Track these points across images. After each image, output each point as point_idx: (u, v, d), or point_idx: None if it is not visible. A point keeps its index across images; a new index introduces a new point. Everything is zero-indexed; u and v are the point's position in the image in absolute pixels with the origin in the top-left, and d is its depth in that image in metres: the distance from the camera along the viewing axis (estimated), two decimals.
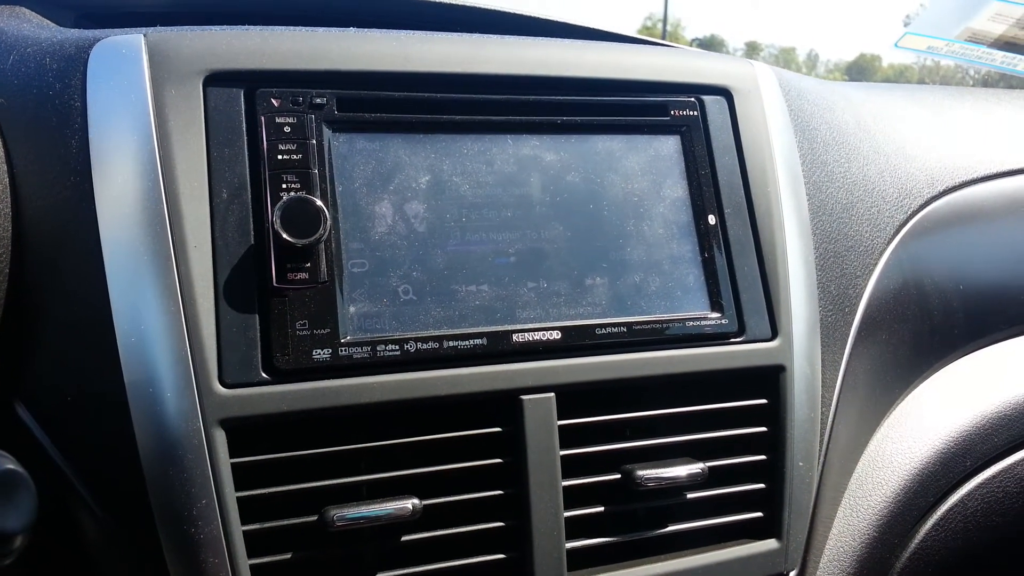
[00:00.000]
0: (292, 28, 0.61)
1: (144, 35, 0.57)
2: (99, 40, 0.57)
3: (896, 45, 1.42)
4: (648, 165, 0.65)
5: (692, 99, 0.67)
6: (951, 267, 0.88)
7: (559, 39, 0.69)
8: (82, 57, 0.57)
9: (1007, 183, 0.95)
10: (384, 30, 0.64)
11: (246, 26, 0.61)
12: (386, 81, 0.59)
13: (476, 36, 0.65)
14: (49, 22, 0.72)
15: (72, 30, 0.63)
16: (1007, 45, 1.32)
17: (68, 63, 0.57)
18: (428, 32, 0.65)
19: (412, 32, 0.64)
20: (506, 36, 0.67)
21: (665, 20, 22.59)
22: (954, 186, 0.90)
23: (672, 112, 0.66)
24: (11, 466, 0.36)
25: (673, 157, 0.66)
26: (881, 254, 0.80)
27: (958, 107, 1.03)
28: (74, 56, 0.57)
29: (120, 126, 0.54)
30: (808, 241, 0.69)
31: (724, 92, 0.69)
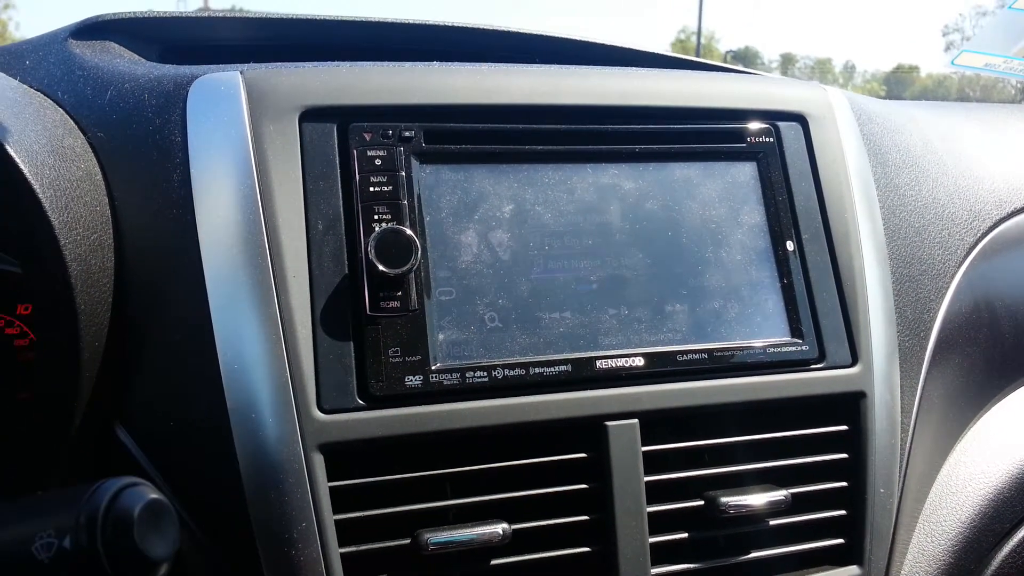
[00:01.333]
0: (379, 64, 0.63)
1: (241, 72, 0.59)
2: (197, 77, 0.60)
3: (953, 63, 1.40)
4: (725, 192, 0.66)
5: (768, 125, 0.68)
6: (1021, 288, 0.87)
7: (635, 68, 0.70)
8: (181, 94, 0.59)
9: None
10: (467, 63, 0.66)
11: (336, 62, 0.63)
12: (470, 114, 0.61)
13: (555, 68, 0.67)
14: (137, 56, 0.75)
15: (167, 66, 0.65)
16: None
17: (168, 99, 0.60)
18: (509, 64, 0.66)
19: (493, 65, 0.66)
20: (583, 67, 0.69)
21: (699, 33, 22.57)
22: (1022, 207, 0.89)
23: (748, 139, 0.67)
24: (156, 496, 0.38)
25: (750, 183, 0.66)
26: (953, 277, 0.79)
27: (1020, 124, 1.02)
28: (173, 92, 0.60)
29: (220, 160, 0.56)
30: (885, 266, 0.69)
31: (799, 118, 0.69)
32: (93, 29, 0.74)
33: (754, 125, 0.68)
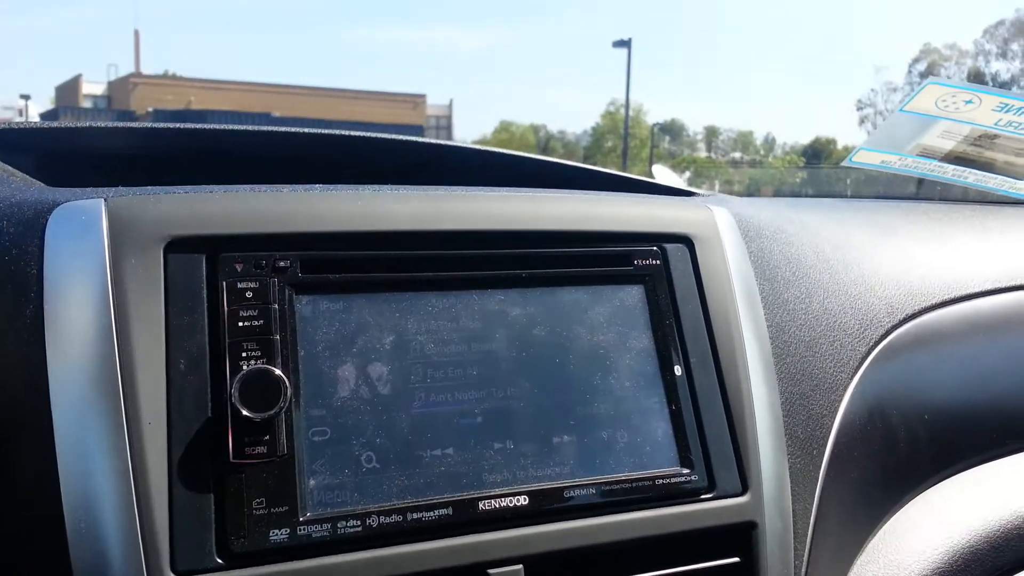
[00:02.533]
0: (255, 188, 0.61)
1: (105, 199, 0.56)
2: (59, 204, 0.57)
3: (851, 161, 1.47)
4: (613, 316, 0.65)
5: (655, 248, 0.68)
6: (915, 396, 0.88)
7: (523, 190, 0.70)
8: (40, 222, 0.56)
9: (965, 307, 0.97)
10: (348, 186, 0.64)
11: (208, 187, 0.61)
12: (350, 240, 0.59)
13: (440, 191, 0.66)
14: (11, 169, 0.71)
15: (33, 188, 0.62)
16: (957, 159, 1.38)
17: (26, 228, 0.56)
18: (391, 188, 0.65)
19: (376, 189, 0.64)
20: (470, 189, 0.68)
21: (627, 106, 23.39)
22: (913, 313, 0.92)
23: (636, 262, 0.67)
24: None
25: (638, 307, 0.66)
26: (845, 389, 0.80)
27: (912, 228, 1.06)
28: (32, 221, 0.56)
29: (76, 295, 0.53)
30: (774, 387, 0.70)
31: (685, 240, 0.70)
32: None
33: (641, 248, 0.68)
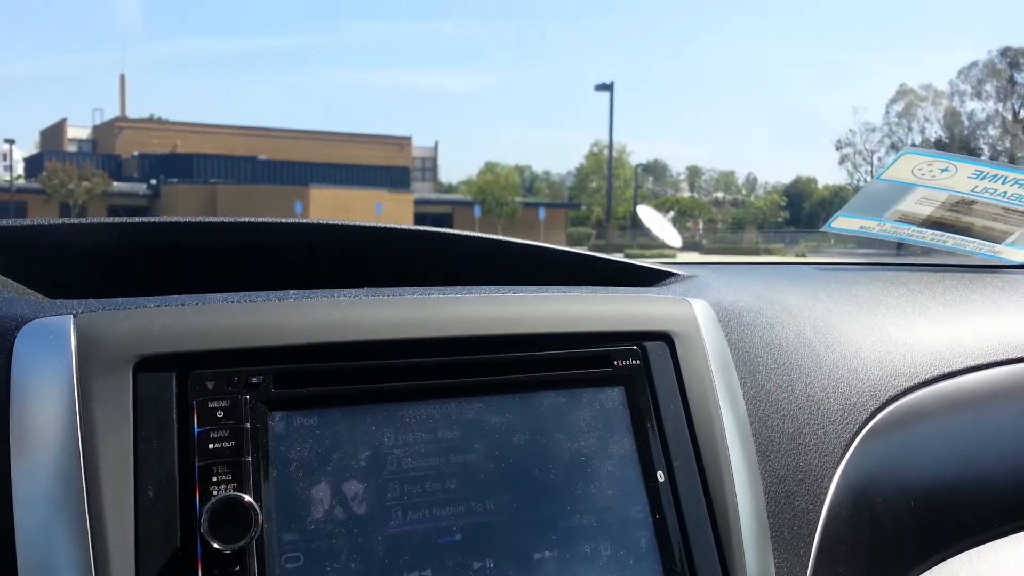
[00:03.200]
0: (228, 299, 0.60)
1: (74, 315, 0.55)
2: (27, 321, 0.55)
3: (830, 226, 1.49)
4: (594, 420, 0.64)
5: (635, 347, 0.68)
6: (900, 480, 0.87)
7: (500, 289, 0.69)
8: (8, 341, 0.54)
9: (947, 384, 0.97)
10: (323, 293, 0.63)
11: (180, 298, 0.59)
12: (325, 352, 0.58)
13: (417, 295, 0.65)
14: None
15: (2, 300, 0.61)
16: (935, 224, 1.39)
17: None
18: (368, 291, 0.64)
19: (352, 294, 0.63)
20: (448, 291, 0.67)
21: (611, 146, 23.69)
22: (896, 394, 0.91)
23: (616, 362, 0.66)
24: None
25: (619, 410, 0.65)
26: (831, 480, 0.79)
27: (893, 302, 1.06)
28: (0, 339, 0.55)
29: (43, 420, 0.51)
30: (758, 489, 0.68)
31: (665, 337, 0.69)
32: None
33: (621, 348, 0.67)
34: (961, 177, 1.29)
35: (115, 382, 0.53)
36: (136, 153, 41.07)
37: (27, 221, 0.74)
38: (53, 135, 45.92)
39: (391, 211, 36.65)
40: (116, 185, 34.95)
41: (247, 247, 0.83)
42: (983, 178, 1.29)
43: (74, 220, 0.75)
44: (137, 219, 0.76)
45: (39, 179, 32.40)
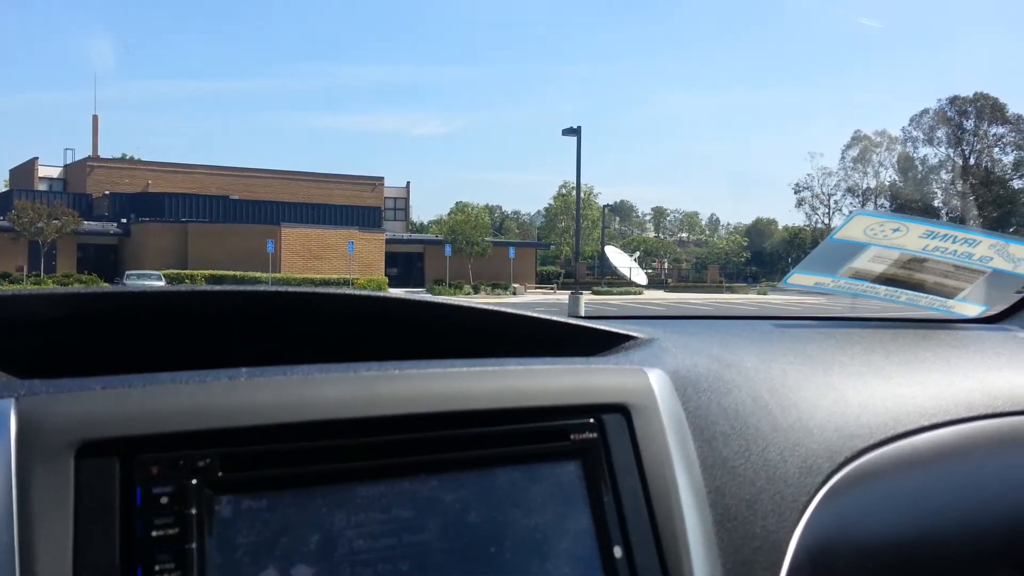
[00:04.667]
0: (177, 379, 0.59)
1: (16, 398, 0.54)
2: None
3: (786, 283, 1.51)
4: (551, 496, 0.64)
5: (591, 420, 0.68)
6: (858, 541, 0.88)
7: (456, 364, 0.69)
8: None
9: (902, 444, 0.98)
10: (275, 371, 0.62)
11: (127, 378, 0.58)
12: (275, 433, 0.58)
13: (369, 372, 0.65)
14: None
15: None
16: (888, 281, 1.43)
17: None
18: (319, 368, 0.64)
19: (304, 371, 0.63)
20: (402, 366, 0.67)
21: (579, 188, 23.94)
22: (852, 455, 0.92)
23: (572, 436, 0.66)
24: None
25: (576, 485, 0.65)
26: (787, 545, 0.79)
27: (847, 361, 1.07)
28: None
29: None
30: (715, 560, 0.68)
31: (622, 409, 0.70)
32: None
33: (577, 422, 0.67)
34: (912, 236, 1.33)
35: (55, 468, 0.51)
36: (107, 192, 40.62)
37: None
38: (23, 174, 45.27)
39: (363, 250, 36.54)
40: (86, 224, 34.43)
41: (202, 315, 0.82)
42: (934, 237, 1.33)
43: (20, 291, 0.74)
44: (84, 289, 0.75)
45: (8, 217, 31.79)
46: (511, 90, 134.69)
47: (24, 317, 0.75)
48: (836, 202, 63.32)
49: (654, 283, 49.23)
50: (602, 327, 0.96)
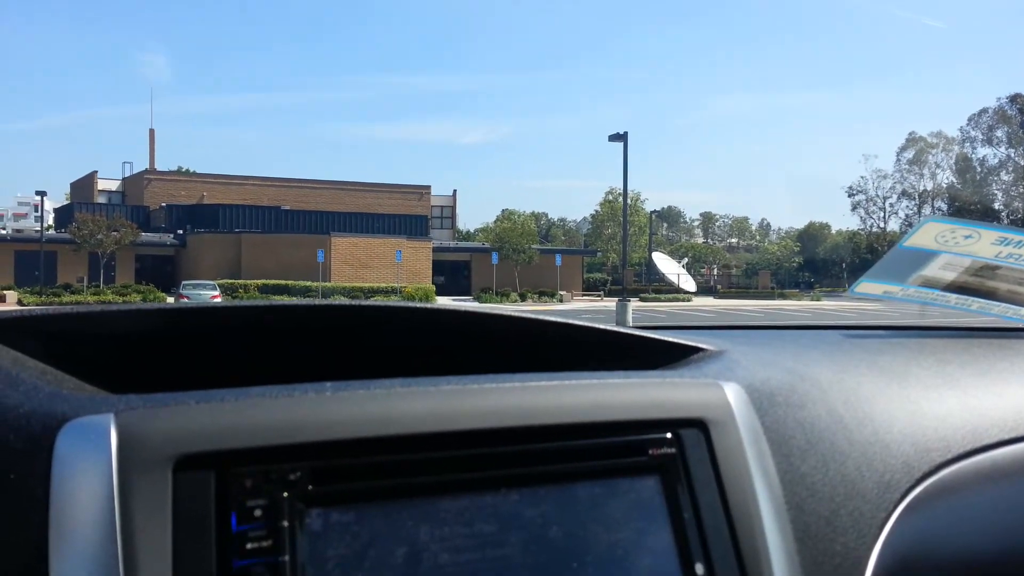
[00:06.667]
0: (266, 393, 0.61)
1: (115, 413, 0.56)
2: (67, 419, 0.56)
3: (853, 291, 1.48)
4: (631, 511, 0.64)
5: (669, 435, 0.67)
6: (938, 557, 0.86)
7: (532, 378, 0.69)
8: (48, 439, 0.55)
9: (982, 458, 0.95)
10: (359, 385, 0.64)
11: (219, 393, 0.60)
12: (362, 447, 0.59)
13: (451, 387, 0.65)
14: (19, 355, 0.72)
15: (42, 392, 0.62)
16: (959, 289, 1.39)
17: (34, 445, 0.55)
18: (402, 383, 0.65)
19: (387, 386, 0.64)
20: (481, 380, 0.67)
21: (625, 194, 23.78)
22: (930, 470, 0.90)
23: (650, 451, 0.66)
24: None
25: (655, 500, 0.65)
26: (867, 563, 0.78)
27: (922, 373, 1.05)
28: (40, 437, 0.56)
29: (82, 520, 0.52)
30: None
31: (700, 424, 0.69)
32: None
33: (655, 437, 0.67)
34: (985, 243, 1.29)
35: (155, 482, 0.53)
36: (164, 204, 41.87)
37: (67, 309, 0.76)
38: (83, 187, 46.95)
39: (410, 259, 36.93)
40: (144, 235, 35.53)
41: (284, 329, 0.84)
42: (1007, 244, 1.29)
43: (108, 306, 0.77)
44: (170, 305, 0.78)
45: (69, 229, 32.96)
46: (556, 97, 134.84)
47: (114, 332, 0.78)
48: (891, 205, 61.86)
49: (703, 289, 48.68)
50: (670, 339, 0.95)
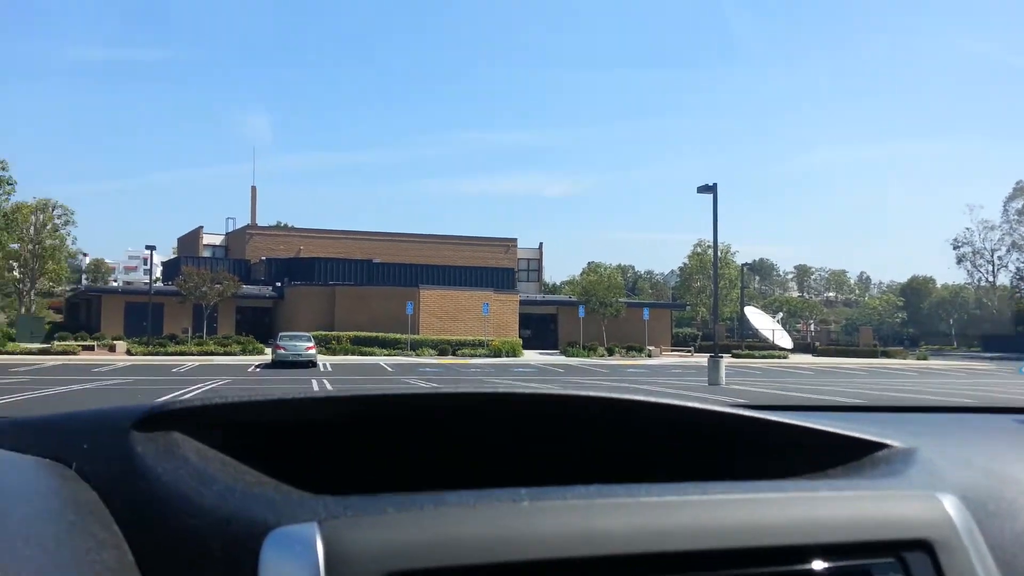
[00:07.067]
0: (464, 501, 0.58)
1: (319, 522, 0.54)
2: (271, 527, 0.55)
3: (1021, 371, 1.36)
4: None
5: (893, 560, 0.61)
6: None
7: (737, 488, 0.64)
8: (253, 548, 0.54)
9: None
10: (555, 494, 0.60)
11: (418, 499, 0.58)
12: (563, 567, 0.55)
13: (652, 498, 0.61)
14: (202, 447, 0.71)
15: (237, 495, 0.61)
16: None
17: (236, 553, 0.54)
18: (598, 491, 0.60)
19: (584, 494, 0.60)
20: (682, 489, 0.62)
21: (716, 247, 23.31)
22: None
23: None
24: None
25: None
26: None
27: None
28: (243, 544, 0.54)
29: None
30: None
31: (925, 546, 0.62)
32: (157, 420, 0.71)
33: (880, 561, 0.60)
34: None
35: None
36: (263, 258, 43.81)
37: (244, 398, 0.75)
38: (190, 241, 49.69)
39: (497, 311, 37.20)
40: (244, 288, 37.14)
41: (455, 417, 0.82)
42: None
43: (287, 394, 0.76)
44: (342, 392, 0.77)
45: (176, 282, 34.78)
46: (642, 148, 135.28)
47: (286, 420, 0.77)
48: (1000, 258, 58.63)
49: (800, 346, 46.88)
50: (847, 432, 0.88)
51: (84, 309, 42.14)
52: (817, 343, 48.69)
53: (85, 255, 53.67)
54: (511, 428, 0.84)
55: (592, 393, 0.84)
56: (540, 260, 54.96)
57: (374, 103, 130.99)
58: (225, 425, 0.78)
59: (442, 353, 33.64)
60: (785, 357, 40.03)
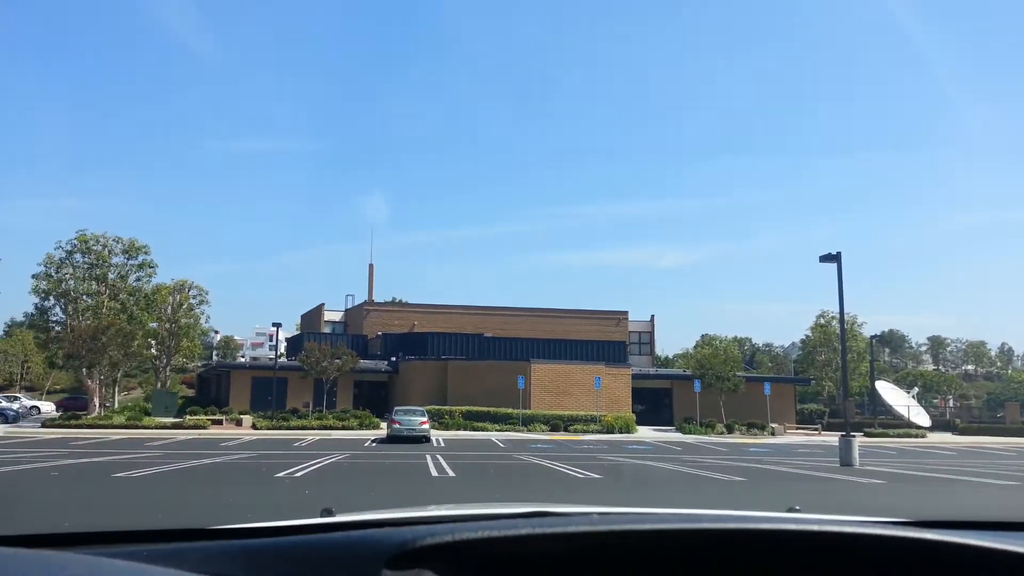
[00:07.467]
0: None
1: None
2: None
3: None
4: None
5: None
6: None
7: None
8: None
9: None
10: None
11: None
12: None
13: None
14: None
15: None
16: None
17: None
18: None
19: None
20: None
21: (842, 318, 22.07)
22: None
23: None
24: None
25: None
26: None
27: None
28: None
29: None
30: None
31: None
32: (409, 557, 0.60)
33: None
34: None
35: None
36: (379, 333, 45.21)
37: (497, 533, 0.61)
38: (312, 318, 52.05)
39: (609, 385, 36.55)
40: (361, 362, 38.28)
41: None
42: None
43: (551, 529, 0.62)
44: (590, 526, 0.61)
45: (298, 358, 36.25)
46: (757, 216, 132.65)
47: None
48: None
49: (938, 424, 43.52)
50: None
51: (214, 384, 44.51)
52: (957, 420, 45.05)
53: (216, 332, 57.04)
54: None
55: (849, 530, 0.67)
56: (652, 333, 54.06)
57: (484, 187, 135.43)
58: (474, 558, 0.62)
59: (553, 429, 33.20)
60: (923, 436, 37.16)
